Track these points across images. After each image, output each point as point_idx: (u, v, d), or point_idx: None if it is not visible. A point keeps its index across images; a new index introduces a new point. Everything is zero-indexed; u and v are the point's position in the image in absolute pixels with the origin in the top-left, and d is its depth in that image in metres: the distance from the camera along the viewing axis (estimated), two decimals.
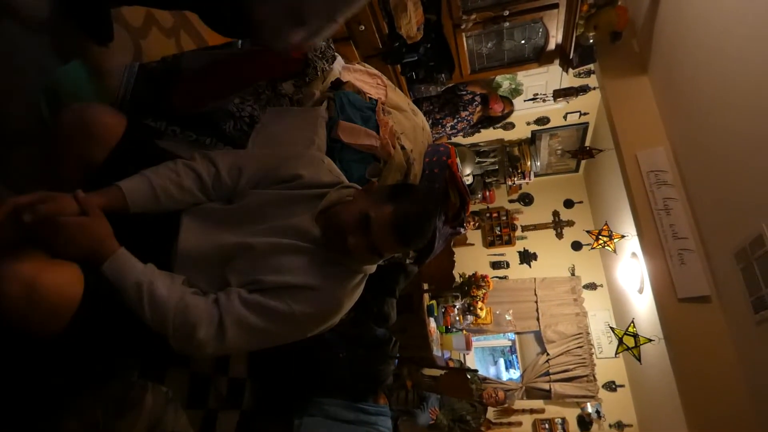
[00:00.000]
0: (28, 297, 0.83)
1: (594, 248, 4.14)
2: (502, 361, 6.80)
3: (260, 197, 1.17)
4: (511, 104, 3.87)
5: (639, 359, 3.12)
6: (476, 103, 3.68)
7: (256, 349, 1.15)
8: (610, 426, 5.16)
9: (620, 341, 3.12)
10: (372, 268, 1.22)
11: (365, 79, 1.90)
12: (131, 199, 1.04)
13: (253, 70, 1.60)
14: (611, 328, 3.61)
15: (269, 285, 1.07)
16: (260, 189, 1.19)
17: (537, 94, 4.47)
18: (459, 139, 4.68)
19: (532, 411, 5.34)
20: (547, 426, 5.23)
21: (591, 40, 3.21)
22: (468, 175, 4.86)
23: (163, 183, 1.09)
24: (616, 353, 3.33)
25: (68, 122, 1.10)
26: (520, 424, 5.28)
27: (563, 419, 5.26)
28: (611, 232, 4.02)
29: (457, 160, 2.00)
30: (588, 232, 4.32)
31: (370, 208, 1.09)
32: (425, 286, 4.15)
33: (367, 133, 1.62)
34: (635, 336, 3.07)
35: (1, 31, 1.39)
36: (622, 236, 3.99)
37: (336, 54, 1.86)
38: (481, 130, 4.43)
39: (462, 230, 2.24)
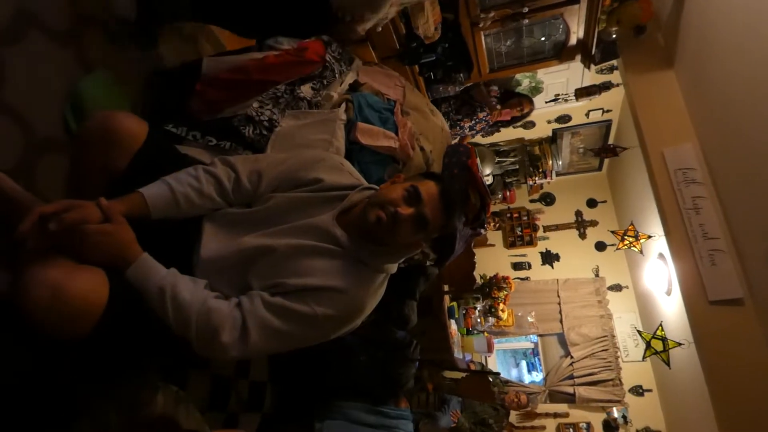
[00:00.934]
0: (54, 302, 0.85)
1: (619, 249, 4.04)
2: (524, 363, 6.70)
3: (280, 201, 1.18)
4: (531, 102, 3.80)
5: (668, 364, 3.02)
6: (494, 103, 3.63)
7: (279, 352, 1.15)
8: (638, 431, 5.03)
9: (648, 345, 3.03)
10: (393, 268, 1.21)
11: (383, 80, 1.89)
12: (153, 204, 1.06)
13: (271, 73, 1.60)
14: (638, 331, 3.51)
15: (291, 288, 1.07)
16: (280, 192, 1.19)
17: (558, 95, 4.39)
18: (478, 139, 4.63)
19: (556, 415, 5.24)
20: (571, 430, 5.12)
21: (614, 35, 3.13)
22: (488, 175, 4.81)
23: (184, 189, 1.11)
24: (644, 357, 3.24)
25: (91, 130, 1.13)
26: (543, 428, 5.19)
27: (588, 424, 5.14)
28: (637, 232, 3.91)
29: (478, 160, 1.97)
30: (613, 232, 4.22)
31: (415, 182, 1.14)
32: (446, 288, 4.11)
33: (385, 134, 1.60)
34: (663, 339, 2.97)
35: (28, 41, 1.42)
36: (649, 236, 3.88)
37: (353, 56, 1.86)
38: (501, 129, 4.37)
39: (482, 231, 2.21)
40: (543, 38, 3.35)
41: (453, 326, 4.10)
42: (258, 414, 1.55)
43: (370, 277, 1.14)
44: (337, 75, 1.67)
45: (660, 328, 3.12)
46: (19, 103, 1.35)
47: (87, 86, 1.53)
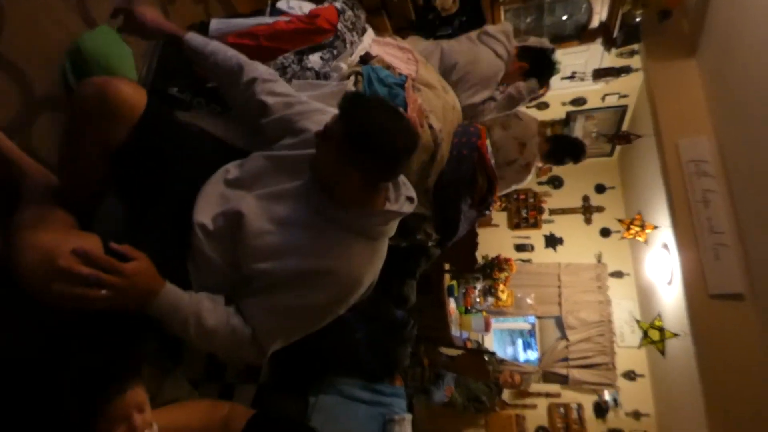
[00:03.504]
0: (46, 267, 0.83)
1: (625, 238, 4.01)
2: (520, 341, 6.77)
3: (260, 161, 1.17)
4: (548, 85, 3.70)
5: (663, 353, 3.04)
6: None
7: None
8: (627, 414, 5.11)
9: (645, 334, 3.04)
10: (390, 230, 1.12)
11: (396, 54, 1.83)
12: (188, 37, 1.26)
13: (280, 41, 1.55)
14: (636, 320, 3.52)
15: (281, 278, 1.04)
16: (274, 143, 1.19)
17: (575, 72, 4.28)
18: None
19: (548, 395, 5.32)
20: (562, 411, 5.21)
21: (638, 19, 3.02)
22: None
23: (218, 49, 1.28)
24: (640, 346, 3.25)
25: (86, 99, 1.07)
26: (534, 407, 5.28)
27: (579, 405, 5.22)
28: (644, 222, 3.88)
29: (488, 142, 1.93)
30: (619, 221, 4.18)
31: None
32: (446, 267, 4.11)
33: None
34: (661, 330, 2.98)
35: None
36: (655, 227, 3.85)
37: (366, 26, 1.80)
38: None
39: (488, 212, 2.18)
40: (564, 17, 3.25)
41: (452, 304, 4.13)
42: (254, 385, 1.57)
43: (361, 247, 1.07)
44: (348, 45, 1.61)
45: (658, 318, 3.12)
46: (18, 57, 1.31)
47: (89, 41, 1.47)
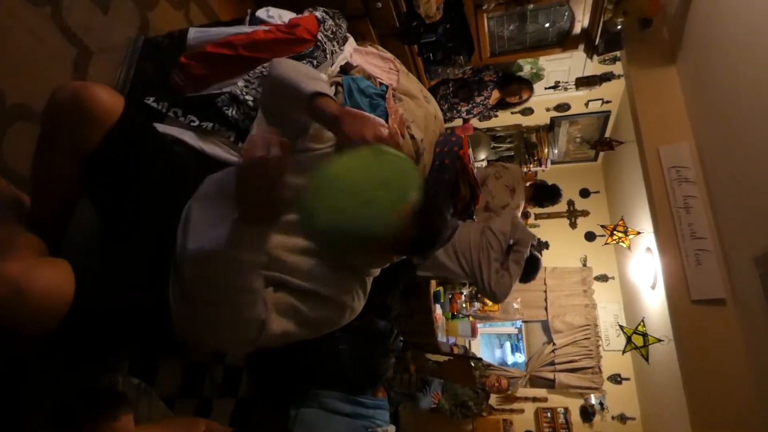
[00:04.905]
0: (14, 299, 0.80)
1: (608, 244, 4.05)
2: (508, 344, 6.79)
3: None
4: (531, 89, 3.72)
5: (647, 359, 3.06)
6: (491, 87, 3.56)
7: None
8: (613, 418, 5.14)
9: (629, 340, 3.06)
10: (376, 272, 1.17)
11: (377, 63, 1.82)
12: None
13: (259, 50, 1.53)
14: (620, 326, 3.54)
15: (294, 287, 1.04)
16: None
17: (558, 82, 4.32)
18: (474, 123, 4.56)
19: (534, 399, 5.34)
20: (549, 415, 5.23)
21: (619, 26, 3.05)
22: (482, 160, 4.76)
23: None
24: (624, 351, 3.28)
25: (61, 102, 1.04)
26: (522, 411, 5.29)
27: (566, 409, 5.25)
28: (626, 227, 3.91)
29: (470, 151, 1.93)
30: (602, 226, 4.22)
31: None
32: None
33: None
34: (644, 335, 3.00)
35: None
36: (638, 233, 3.88)
37: (348, 35, 1.79)
38: (498, 114, 4.31)
39: (474, 219, 2.20)
40: (547, 25, 3.26)
41: (438, 310, 4.11)
42: (232, 399, 1.54)
43: (361, 284, 1.10)
44: (328, 56, 1.60)
45: (642, 324, 3.15)
46: None
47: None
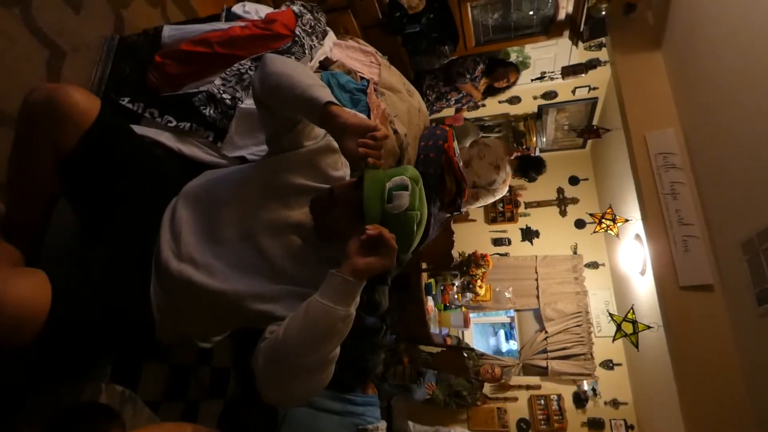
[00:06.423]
0: None
1: (596, 232, 4.06)
2: (502, 332, 6.82)
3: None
4: (518, 71, 3.67)
5: (636, 346, 3.08)
6: (478, 78, 3.53)
7: None
8: (606, 403, 5.19)
9: (618, 327, 3.08)
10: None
11: (358, 57, 1.79)
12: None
13: (235, 47, 1.50)
14: (610, 314, 3.56)
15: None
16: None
17: (545, 72, 4.29)
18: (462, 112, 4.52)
19: (528, 387, 5.38)
20: (542, 402, 5.27)
21: (603, 12, 3.03)
22: None
23: None
24: (614, 339, 3.30)
25: (36, 104, 1.02)
26: (515, 399, 5.32)
27: (559, 396, 5.29)
28: (615, 215, 3.92)
29: (455, 143, 1.91)
30: (591, 215, 4.22)
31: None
32: (424, 266, 4.10)
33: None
34: (634, 323, 3.02)
35: None
36: (626, 220, 3.89)
37: (327, 29, 1.75)
38: (486, 104, 4.28)
39: (462, 211, 2.19)
40: (531, 12, 3.25)
41: (430, 302, 4.12)
42: (221, 400, 1.52)
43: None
44: (307, 50, 1.57)
45: (631, 311, 3.16)
46: None
47: None
